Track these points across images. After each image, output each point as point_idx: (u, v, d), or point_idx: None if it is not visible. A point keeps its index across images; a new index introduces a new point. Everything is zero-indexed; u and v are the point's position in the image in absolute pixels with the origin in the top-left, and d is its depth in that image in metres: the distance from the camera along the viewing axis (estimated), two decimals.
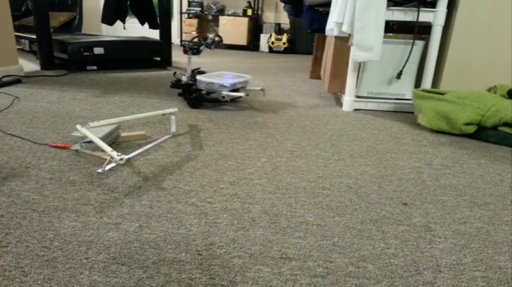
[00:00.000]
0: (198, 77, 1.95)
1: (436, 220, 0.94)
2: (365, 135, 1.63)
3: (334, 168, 1.24)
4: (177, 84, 2.05)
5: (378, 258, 0.78)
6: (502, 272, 0.75)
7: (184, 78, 2.01)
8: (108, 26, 3.83)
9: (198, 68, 2.12)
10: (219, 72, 2.14)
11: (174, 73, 2.13)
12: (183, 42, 2.10)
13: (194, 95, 1.92)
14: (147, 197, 0.98)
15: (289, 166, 1.24)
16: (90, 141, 1.20)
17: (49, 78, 2.56)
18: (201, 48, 1.98)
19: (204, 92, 1.95)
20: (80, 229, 0.83)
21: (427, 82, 2.05)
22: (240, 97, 2.00)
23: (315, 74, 3.17)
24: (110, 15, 3.16)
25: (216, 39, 2.00)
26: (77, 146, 1.25)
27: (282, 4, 3.21)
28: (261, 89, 2.04)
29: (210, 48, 2.03)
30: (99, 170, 1.11)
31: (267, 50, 5.61)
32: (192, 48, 1.98)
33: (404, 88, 2.10)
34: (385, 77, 2.08)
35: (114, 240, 0.79)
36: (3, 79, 2.31)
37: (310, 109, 2.05)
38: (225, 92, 1.91)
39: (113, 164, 1.14)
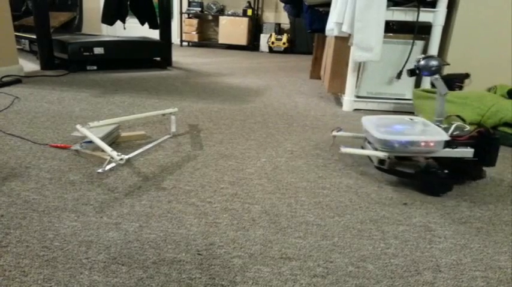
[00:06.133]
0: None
1: (436, 220, 0.94)
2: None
3: (334, 168, 1.24)
4: None
5: (378, 258, 0.78)
6: (502, 272, 0.75)
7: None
8: (108, 26, 3.83)
9: (477, 128, 1.14)
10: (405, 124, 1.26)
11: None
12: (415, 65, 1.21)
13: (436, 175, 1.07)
14: (147, 197, 0.98)
15: (289, 166, 1.24)
16: (90, 142, 1.20)
17: (49, 78, 2.56)
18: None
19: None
20: (80, 229, 0.83)
21: (427, 82, 2.05)
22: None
23: (315, 74, 3.16)
24: (110, 15, 3.16)
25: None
26: (77, 146, 1.25)
27: (282, 4, 3.21)
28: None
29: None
30: (99, 170, 1.11)
31: (267, 50, 5.61)
32: (414, 70, 1.22)
33: (404, 88, 2.09)
34: (385, 77, 2.08)
35: (114, 240, 0.79)
36: (3, 79, 2.31)
37: (310, 109, 2.05)
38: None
39: (113, 164, 1.14)
